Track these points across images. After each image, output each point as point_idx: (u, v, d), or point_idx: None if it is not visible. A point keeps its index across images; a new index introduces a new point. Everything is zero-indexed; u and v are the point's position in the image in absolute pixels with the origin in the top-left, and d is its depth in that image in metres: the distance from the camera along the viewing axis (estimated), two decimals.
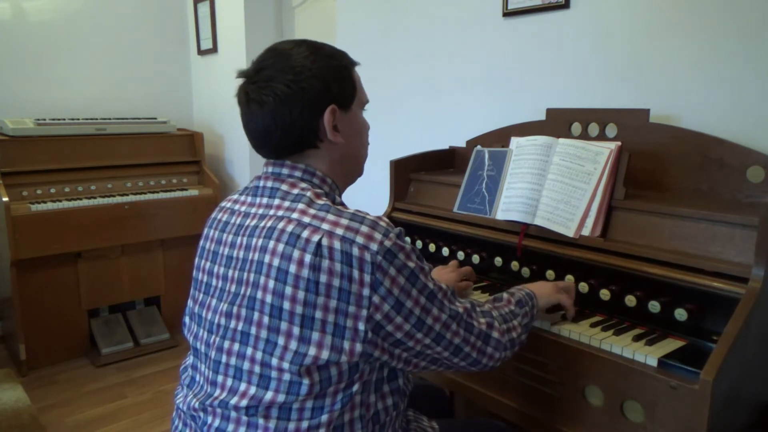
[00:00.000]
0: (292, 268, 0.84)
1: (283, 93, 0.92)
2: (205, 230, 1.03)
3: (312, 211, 0.88)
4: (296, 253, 0.84)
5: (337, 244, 0.83)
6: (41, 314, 2.74)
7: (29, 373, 2.73)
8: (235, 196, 1.03)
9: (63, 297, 2.81)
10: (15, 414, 1.59)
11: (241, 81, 0.98)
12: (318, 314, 0.83)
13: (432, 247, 1.63)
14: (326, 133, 0.96)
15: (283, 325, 0.84)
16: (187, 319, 1.04)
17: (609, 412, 1.07)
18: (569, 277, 1.29)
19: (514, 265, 1.41)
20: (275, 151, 0.98)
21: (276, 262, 0.85)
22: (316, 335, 0.83)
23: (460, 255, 1.54)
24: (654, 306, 1.13)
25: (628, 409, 1.04)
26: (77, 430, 2.28)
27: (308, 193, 0.91)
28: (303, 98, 0.93)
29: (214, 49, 3.37)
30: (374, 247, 0.83)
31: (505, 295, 1.11)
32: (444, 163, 1.89)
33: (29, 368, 2.74)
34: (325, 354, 0.83)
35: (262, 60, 0.96)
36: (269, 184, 0.96)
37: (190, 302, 1.04)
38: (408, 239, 1.69)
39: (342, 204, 0.96)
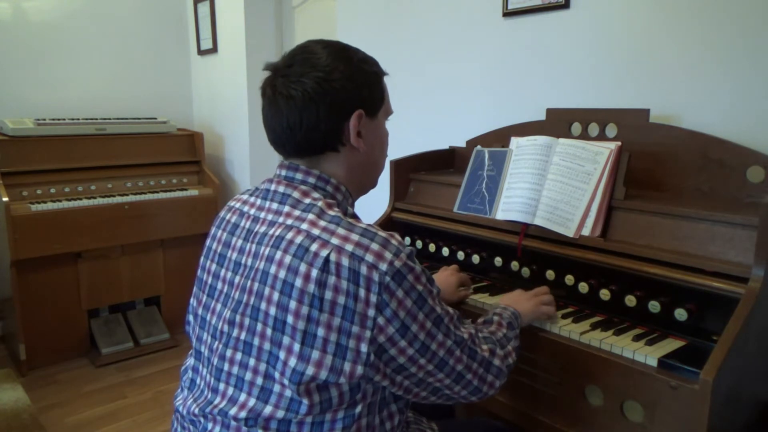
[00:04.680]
0: (298, 282, 0.82)
1: (313, 90, 0.89)
2: (213, 230, 1.01)
3: (322, 223, 0.85)
4: (303, 267, 0.82)
5: (345, 261, 0.81)
6: (41, 314, 2.74)
7: (29, 373, 2.73)
8: (245, 197, 1.00)
9: (63, 297, 2.81)
10: (15, 414, 1.59)
11: (267, 74, 0.95)
12: (320, 332, 0.81)
13: (432, 247, 1.63)
14: (350, 137, 0.94)
15: (285, 340, 0.83)
16: (191, 318, 1.03)
17: (609, 412, 1.07)
18: (569, 278, 1.29)
19: (514, 265, 1.41)
20: (296, 150, 0.95)
21: (282, 274, 0.83)
22: (316, 354, 0.81)
23: (460, 255, 1.54)
24: (654, 306, 1.13)
25: (628, 409, 1.04)
26: (77, 430, 2.28)
27: (319, 203, 0.89)
28: (332, 98, 0.90)
29: (214, 49, 3.36)
30: (383, 267, 0.81)
31: (495, 317, 1.09)
32: (444, 163, 1.89)
33: (29, 368, 2.74)
34: (323, 374, 0.81)
35: (293, 55, 0.94)
36: (281, 189, 0.93)
37: (193, 301, 1.02)
38: (411, 242, 1.69)
39: (354, 216, 0.94)
